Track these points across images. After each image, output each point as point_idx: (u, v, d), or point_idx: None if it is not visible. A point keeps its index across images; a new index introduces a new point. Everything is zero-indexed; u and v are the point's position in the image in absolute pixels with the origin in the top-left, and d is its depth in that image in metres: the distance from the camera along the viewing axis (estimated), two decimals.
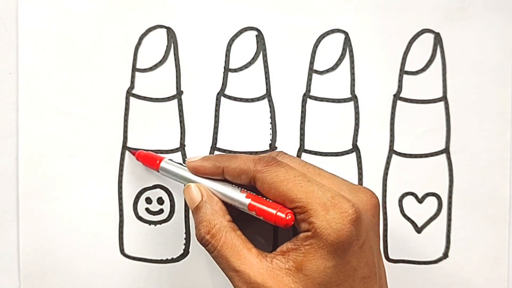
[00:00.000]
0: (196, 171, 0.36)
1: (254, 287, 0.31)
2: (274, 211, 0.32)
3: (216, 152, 0.40)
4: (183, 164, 0.37)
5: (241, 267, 0.32)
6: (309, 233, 0.31)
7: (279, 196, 0.32)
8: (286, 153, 0.36)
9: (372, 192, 0.34)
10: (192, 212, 0.35)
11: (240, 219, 0.35)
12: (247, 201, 0.33)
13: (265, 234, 0.40)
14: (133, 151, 0.40)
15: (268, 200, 0.33)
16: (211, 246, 0.33)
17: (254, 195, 0.34)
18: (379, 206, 0.34)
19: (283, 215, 0.32)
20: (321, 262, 0.31)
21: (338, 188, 0.33)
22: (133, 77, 0.40)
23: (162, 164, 0.37)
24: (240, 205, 0.34)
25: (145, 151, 0.39)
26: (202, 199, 0.35)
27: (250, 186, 0.34)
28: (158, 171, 0.38)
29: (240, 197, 0.34)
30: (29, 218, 0.40)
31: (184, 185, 0.36)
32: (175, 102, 0.40)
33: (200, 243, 0.34)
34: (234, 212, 0.35)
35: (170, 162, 0.37)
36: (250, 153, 0.40)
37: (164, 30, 0.40)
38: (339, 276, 0.31)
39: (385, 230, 0.41)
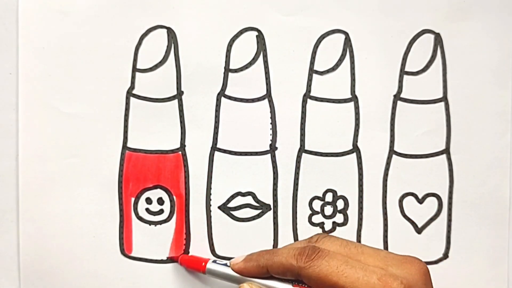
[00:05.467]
0: (242, 274, 0.36)
1: None
2: None
3: (216, 153, 0.40)
4: (228, 265, 0.37)
5: None
6: None
7: None
8: (325, 235, 0.36)
9: (419, 260, 0.33)
10: None
11: None
12: None
13: None
14: (175, 256, 0.40)
15: None
16: None
17: None
18: (429, 272, 0.33)
19: None
20: None
21: (384, 264, 0.32)
22: (133, 77, 0.40)
23: (209, 266, 0.38)
24: None
25: (188, 255, 0.40)
26: None
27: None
28: (204, 273, 0.38)
29: None
30: (29, 218, 0.40)
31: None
32: (175, 102, 0.40)
33: None
34: None
35: (216, 264, 0.38)
36: (251, 153, 0.40)
37: (165, 30, 0.40)
38: None
39: (385, 231, 0.41)
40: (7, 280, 0.40)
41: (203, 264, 0.38)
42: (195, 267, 0.39)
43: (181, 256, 0.40)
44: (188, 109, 0.40)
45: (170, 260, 0.41)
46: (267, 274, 0.35)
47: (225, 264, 0.37)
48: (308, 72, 0.40)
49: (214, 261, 0.38)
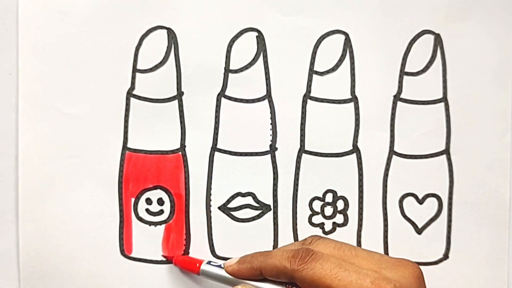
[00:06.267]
0: (235, 276, 0.36)
1: None
2: None
3: (216, 153, 0.40)
4: (222, 266, 0.37)
5: None
6: None
7: None
8: (320, 237, 0.35)
9: (412, 263, 0.33)
10: None
11: None
12: None
13: None
14: (169, 257, 0.40)
15: None
16: None
17: None
18: (422, 276, 0.33)
19: None
20: None
21: (377, 267, 0.32)
22: (133, 77, 0.40)
23: (203, 267, 0.38)
24: None
25: (182, 256, 0.40)
26: None
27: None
28: (198, 275, 0.38)
29: None
30: (29, 219, 0.40)
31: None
32: (175, 103, 0.40)
33: None
34: None
35: (210, 266, 0.37)
36: (251, 154, 0.40)
37: (165, 31, 0.40)
38: None
39: (385, 231, 0.41)
40: (7, 280, 0.40)
41: (198, 265, 0.38)
42: (190, 268, 0.39)
43: (175, 256, 0.40)
44: (188, 109, 0.40)
45: (170, 260, 0.40)
46: (261, 276, 0.35)
47: (219, 266, 0.37)
48: (308, 72, 0.41)
49: (209, 262, 0.38)
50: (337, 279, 0.31)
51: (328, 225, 0.41)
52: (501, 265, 0.41)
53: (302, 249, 0.34)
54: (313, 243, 0.35)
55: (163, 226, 0.41)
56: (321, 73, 0.41)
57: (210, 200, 0.41)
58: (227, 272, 0.36)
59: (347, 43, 0.41)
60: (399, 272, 0.32)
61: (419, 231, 0.41)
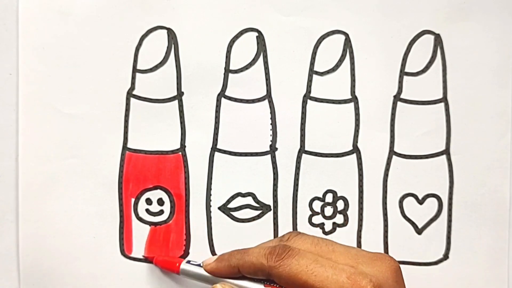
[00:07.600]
0: (214, 275, 0.36)
1: None
2: None
3: (216, 154, 0.40)
4: (201, 265, 0.37)
5: None
6: None
7: None
8: (297, 233, 0.36)
9: (390, 257, 0.34)
10: None
11: None
12: None
13: None
14: (150, 257, 0.40)
15: None
16: None
17: None
18: (400, 269, 0.33)
19: None
20: None
21: (354, 262, 0.33)
22: (133, 78, 0.40)
23: (182, 266, 0.38)
24: None
25: (163, 257, 0.40)
26: None
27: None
28: (178, 274, 0.38)
29: None
30: (29, 219, 0.40)
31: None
32: (175, 103, 0.40)
33: None
34: None
35: (190, 265, 0.38)
36: (251, 154, 0.40)
37: (165, 31, 0.40)
38: None
39: (385, 232, 0.41)
40: (7, 280, 0.40)
41: (177, 264, 0.38)
42: (170, 267, 0.39)
43: (155, 257, 0.40)
44: (188, 109, 0.40)
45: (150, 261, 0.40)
46: (239, 274, 0.35)
47: (199, 265, 0.37)
48: (308, 72, 0.41)
49: (188, 262, 0.38)
50: (313, 275, 0.31)
51: (328, 226, 0.41)
52: (501, 265, 0.41)
53: (279, 245, 0.34)
54: (290, 240, 0.35)
55: (163, 226, 0.41)
56: (321, 73, 0.41)
57: (210, 200, 0.41)
58: (205, 270, 0.36)
59: (347, 43, 0.41)
60: (375, 266, 0.32)
61: (419, 231, 0.41)
